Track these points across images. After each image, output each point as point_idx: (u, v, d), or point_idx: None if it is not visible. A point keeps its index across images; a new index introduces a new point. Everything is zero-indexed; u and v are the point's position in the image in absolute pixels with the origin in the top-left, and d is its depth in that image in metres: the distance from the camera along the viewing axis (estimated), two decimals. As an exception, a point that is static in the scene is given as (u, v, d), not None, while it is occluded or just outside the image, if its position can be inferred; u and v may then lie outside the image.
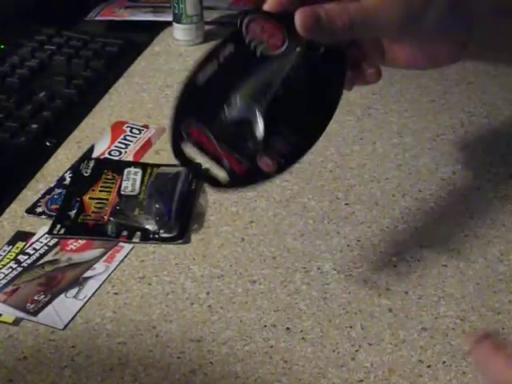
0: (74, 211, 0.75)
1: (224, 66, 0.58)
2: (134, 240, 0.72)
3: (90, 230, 0.73)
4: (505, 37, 0.63)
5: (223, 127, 0.58)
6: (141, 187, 0.78)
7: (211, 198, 0.78)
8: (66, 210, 0.76)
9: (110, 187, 0.78)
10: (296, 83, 0.58)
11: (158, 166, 0.81)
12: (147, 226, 0.73)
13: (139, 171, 0.81)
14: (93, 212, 0.75)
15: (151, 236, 0.73)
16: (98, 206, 0.76)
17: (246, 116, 0.58)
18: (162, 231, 0.73)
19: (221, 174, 0.58)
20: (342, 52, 0.58)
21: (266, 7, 0.58)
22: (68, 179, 0.80)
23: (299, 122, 0.59)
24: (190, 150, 0.58)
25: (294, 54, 0.58)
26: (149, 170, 0.81)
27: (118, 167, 0.81)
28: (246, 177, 0.59)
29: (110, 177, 0.80)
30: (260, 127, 0.58)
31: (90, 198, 0.77)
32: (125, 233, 0.73)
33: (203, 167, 0.62)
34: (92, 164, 0.82)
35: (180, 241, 0.72)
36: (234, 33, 0.58)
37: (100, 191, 0.78)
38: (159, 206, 0.74)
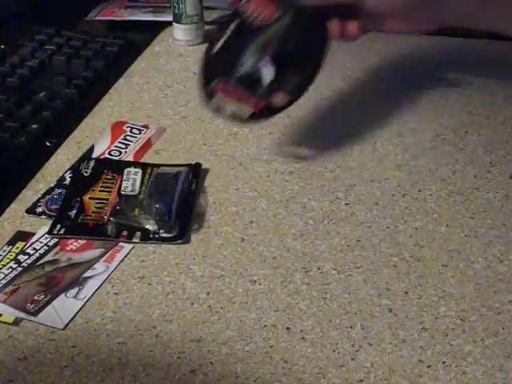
0: (74, 211, 0.75)
1: (232, 37, 0.76)
2: (134, 240, 0.72)
3: (90, 230, 0.73)
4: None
5: (242, 77, 0.75)
6: (141, 187, 0.78)
7: (211, 198, 0.78)
8: (66, 210, 0.76)
9: (110, 187, 0.78)
10: (289, 38, 0.75)
11: (158, 165, 0.81)
12: (147, 226, 0.73)
13: (139, 171, 0.81)
14: (93, 212, 0.75)
15: (151, 236, 0.73)
16: (98, 205, 0.76)
17: (257, 66, 0.75)
18: (161, 231, 0.73)
19: (246, 110, 0.76)
20: (322, 13, 0.75)
21: None
22: (68, 179, 0.80)
23: (298, 66, 0.76)
24: (219, 100, 0.76)
25: (285, 18, 0.75)
26: (149, 170, 0.81)
27: (118, 167, 0.81)
28: (265, 109, 0.76)
29: (109, 177, 0.80)
30: (269, 73, 0.75)
31: (90, 198, 0.77)
32: (125, 233, 0.73)
33: (230, 111, 0.77)
34: (92, 164, 0.82)
35: (180, 241, 0.72)
36: (235, 12, 0.76)
37: (100, 191, 0.78)
38: (159, 206, 0.74)
